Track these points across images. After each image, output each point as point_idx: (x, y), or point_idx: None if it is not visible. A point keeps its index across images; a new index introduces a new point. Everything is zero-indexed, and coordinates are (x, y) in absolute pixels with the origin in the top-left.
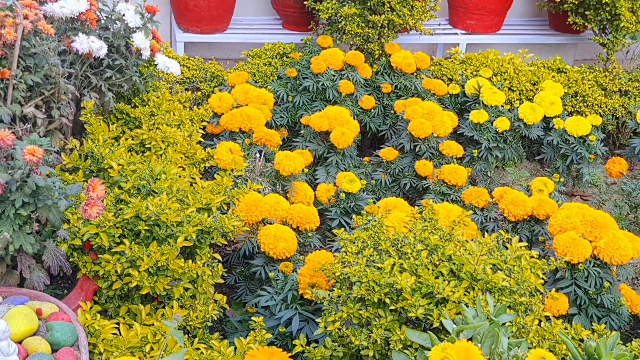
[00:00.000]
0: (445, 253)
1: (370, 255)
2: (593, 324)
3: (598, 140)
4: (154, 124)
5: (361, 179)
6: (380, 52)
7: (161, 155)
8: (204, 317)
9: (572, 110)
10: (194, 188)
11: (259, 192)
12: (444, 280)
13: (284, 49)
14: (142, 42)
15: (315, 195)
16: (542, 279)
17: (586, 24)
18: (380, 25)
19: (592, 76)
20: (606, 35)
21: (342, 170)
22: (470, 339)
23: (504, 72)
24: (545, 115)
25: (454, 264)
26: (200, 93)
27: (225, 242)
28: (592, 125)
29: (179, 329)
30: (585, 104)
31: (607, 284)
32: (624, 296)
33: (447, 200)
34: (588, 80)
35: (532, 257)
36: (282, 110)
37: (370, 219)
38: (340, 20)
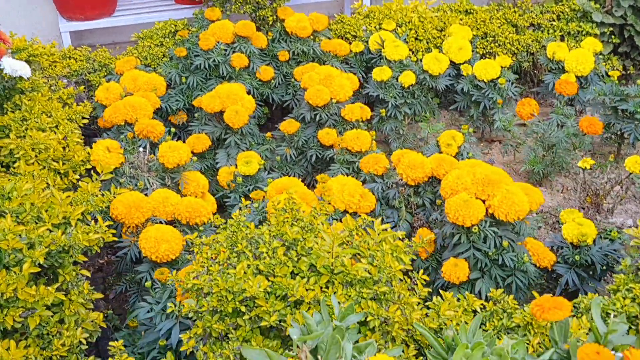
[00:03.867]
0: (306, 246)
1: (228, 259)
2: (491, 289)
3: (509, 81)
4: (26, 129)
5: (266, 156)
6: (274, 17)
7: (33, 163)
8: (71, 343)
9: (484, 52)
10: (51, 202)
11: (146, 189)
12: (303, 278)
13: (176, 26)
14: None
15: (218, 180)
16: (409, 261)
17: None
18: None
19: (500, 14)
20: None
21: (244, 150)
22: (316, 348)
23: (409, 22)
24: (455, 62)
25: (314, 258)
26: (82, 87)
27: (86, 259)
28: (502, 67)
29: None
30: (496, 44)
31: (506, 243)
32: (530, 250)
33: (352, 169)
34: (497, 18)
35: (398, 239)
36: (178, 93)
37: (257, 206)
38: None
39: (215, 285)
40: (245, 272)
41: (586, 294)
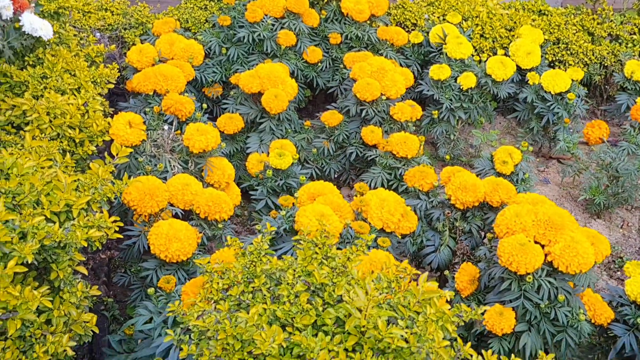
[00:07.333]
0: (335, 294)
1: (242, 293)
2: (540, 352)
3: (578, 97)
4: (45, 88)
5: (302, 146)
6: None
7: (46, 128)
8: (55, 351)
9: (554, 59)
10: (54, 185)
11: (166, 171)
12: (327, 334)
13: None
14: None
15: (247, 167)
16: (455, 328)
17: None
18: None
19: (577, 19)
20: None
21: (279, 137)
22: None
23: (476, 17)
24: (521, 67)
25: (343, 311)
26: (114, 46)
27: (84, 258)
28: (573, 80)
29: None
30: (568, 52)
31: (562, 298)
32: (586, 304)
33: (395, 175)
34: (573, 24)
35: (442, 297)
36: (216, 64)
37: (284, 214)
38: None
39: (222, 330)
40: (260, 315)
41: None
